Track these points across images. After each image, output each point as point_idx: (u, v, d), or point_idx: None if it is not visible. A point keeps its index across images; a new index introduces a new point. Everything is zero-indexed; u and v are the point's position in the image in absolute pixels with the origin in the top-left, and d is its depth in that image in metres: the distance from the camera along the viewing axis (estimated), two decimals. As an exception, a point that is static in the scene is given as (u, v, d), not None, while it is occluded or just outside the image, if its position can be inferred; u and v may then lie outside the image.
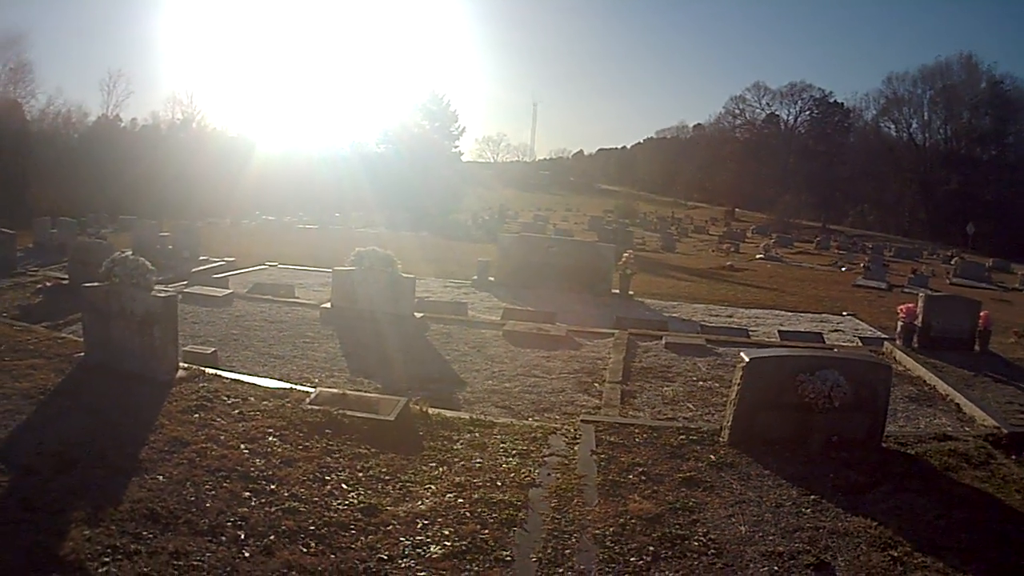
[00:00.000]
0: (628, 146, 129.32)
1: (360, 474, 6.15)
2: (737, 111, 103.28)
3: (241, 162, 60.40)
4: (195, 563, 4.80)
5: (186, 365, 8.82)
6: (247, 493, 5.71)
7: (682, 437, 7.15)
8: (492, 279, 19.46)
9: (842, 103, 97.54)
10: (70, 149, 61.27)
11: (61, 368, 8.75)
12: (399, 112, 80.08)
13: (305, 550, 5.01)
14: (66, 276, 16.75)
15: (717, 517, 5.62)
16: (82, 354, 9.09)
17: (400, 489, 5.93)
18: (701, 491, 6.03)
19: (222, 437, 6.73)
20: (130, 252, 9.24)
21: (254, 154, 64.40)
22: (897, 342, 12.94)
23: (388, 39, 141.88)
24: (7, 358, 9.16)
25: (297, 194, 57.57)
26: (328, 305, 13.37)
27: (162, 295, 8.89)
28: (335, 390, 8.08)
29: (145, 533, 5.12)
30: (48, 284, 16.27)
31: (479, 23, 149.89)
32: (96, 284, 8.97)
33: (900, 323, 13.11)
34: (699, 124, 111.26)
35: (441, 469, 6.35)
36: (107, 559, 4.78)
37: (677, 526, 5.45)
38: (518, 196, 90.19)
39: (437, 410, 7.74)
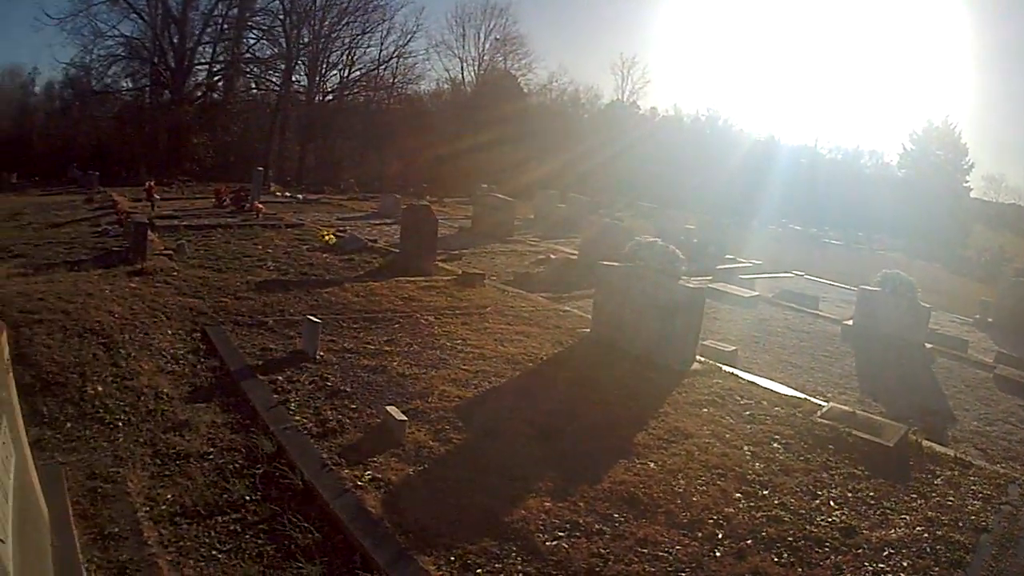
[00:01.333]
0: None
1: (849, 494, 6.95)
2: None
3: (766, 166, 63.27)
4: (661, 554, 5.65)
5: (702, 359, 10.07)
6: (738, 495, 6.62)
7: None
8: (990, 320, 20.81)
9: None
10: (577, 128, 67.95)
11: (559, 340, 10.54)
12: (915, 137, 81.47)
13: (776, 560, 5.79)
14: (574, 252, 19.89)
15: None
16: (587, 330, 10.77)
17: (879, 515, 6.69)
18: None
19: (727, 436, 7.79)
20: (658, 239, 10.68)
21: (779, 159, 67.50)
22: None
23: (905, 60, 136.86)
24: (490, 320, 11.30)
25: (820, 205, 59.24)
26: (850, 322, 15.06)
27: (690, 286, 10.16)
28: (845, 408, 8.85)
29: (617, 516, 6.07)
30: (553, 256, 19.29)
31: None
32: (617, 264, 10.51)
33: None
34: None
35: (919, 502, 7.05)
36: (561, 534, 5.77)
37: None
38: (1013, 239, 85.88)
39: (929, 443, 8.55)
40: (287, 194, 34.29)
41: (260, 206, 23.65)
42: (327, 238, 17.88)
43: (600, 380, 8.93)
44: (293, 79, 62.07)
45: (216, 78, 62.02)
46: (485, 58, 69.17)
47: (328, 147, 61.44)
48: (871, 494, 6.94)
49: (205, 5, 58.75)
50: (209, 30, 59.42)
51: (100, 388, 8.14)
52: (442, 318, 11.17)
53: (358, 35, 62.76)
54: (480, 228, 23.99)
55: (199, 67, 61.01)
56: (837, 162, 78.83)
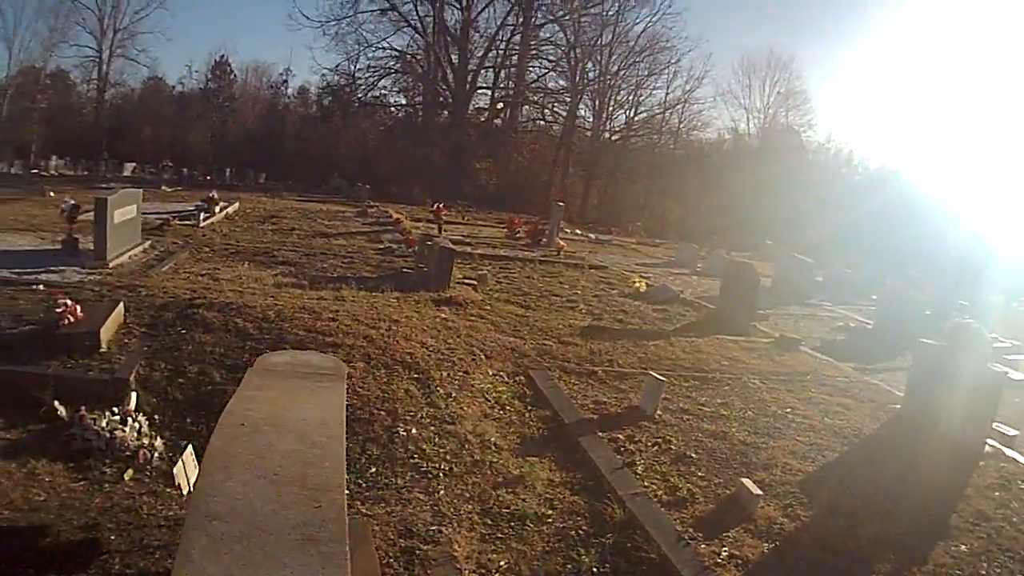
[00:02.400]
0: None
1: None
2: None
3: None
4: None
5: (991, 442, 10.22)
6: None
7: None
8: None
9: None
10: (849, 189, 66.95)
11: (874, 415, 10.79)
12: None
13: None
14: (867, 320, 20.33)
15: None
16: (898, 406, 11.08)
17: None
18: None
19: (1015, 519, 7.99)
20: (972, 321, 11.09)
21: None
22: None
23: None
24: (812, 388, 11.60)
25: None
26: (1098, 410, 15.04)
27: (996, 369, 10.39)
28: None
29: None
30: (851, 324, 19.65)
31: None
32: (935, 343, 10.87)
33: None
34: None
35: None
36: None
37: None
38: None
39: None
40: (577, 231, 35.55)
41: (562, 243, 24.69)
42: (638, 285, 18.32)
43: (919, 459, 9.21)
44: (578, 114, 64.35)
45: (500, 104, 64.93)
46: (769, 111, 69.61)
47: (612, 187, 62.89)
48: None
49: (485, 27, 61.85)
50: (491, 55, 62.38)
51: (415, 430, 8.06)
52: (768, 383, 11.39)
53: (645, 76, 64.44)
54: (778, 287, 24.18)
55: (481, 91, 64.00)
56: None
